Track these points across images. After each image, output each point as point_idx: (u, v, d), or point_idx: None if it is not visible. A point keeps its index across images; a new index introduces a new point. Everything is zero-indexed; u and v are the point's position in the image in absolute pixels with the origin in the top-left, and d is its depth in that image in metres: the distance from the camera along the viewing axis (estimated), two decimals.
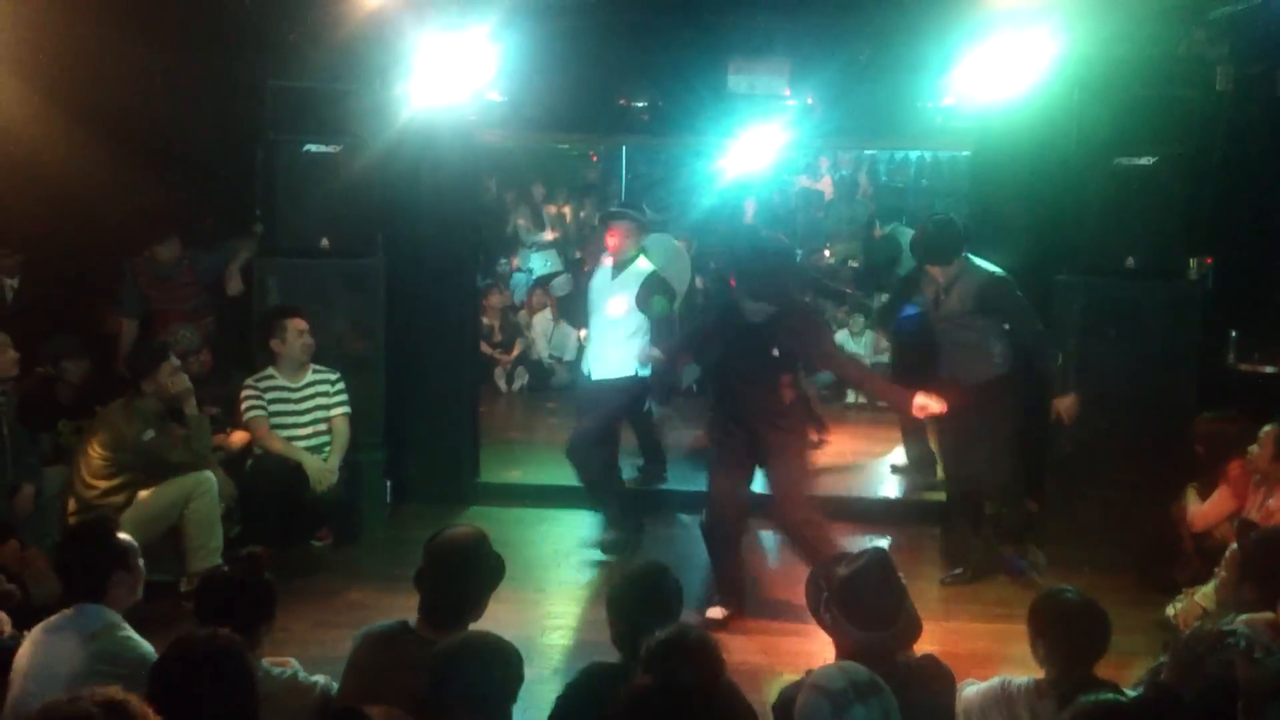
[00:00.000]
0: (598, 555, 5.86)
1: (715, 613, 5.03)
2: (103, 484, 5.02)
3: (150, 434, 5.07)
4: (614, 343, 5.88)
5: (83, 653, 3.14)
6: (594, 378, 5.95)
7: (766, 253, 5.12)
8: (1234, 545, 4.33)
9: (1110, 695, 2.69)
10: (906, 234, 7.23)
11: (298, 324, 5.68)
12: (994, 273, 5.42)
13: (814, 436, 7.39)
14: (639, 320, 5.88)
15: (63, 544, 3.54)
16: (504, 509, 6.19)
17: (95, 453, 5.06)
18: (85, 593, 3.31)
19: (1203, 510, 5.08)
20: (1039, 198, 6.13)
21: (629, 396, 6.00)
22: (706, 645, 2.75)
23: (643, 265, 5.98)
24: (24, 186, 6.28)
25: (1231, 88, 5.90)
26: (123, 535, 3.53)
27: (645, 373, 5.85)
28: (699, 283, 9.03)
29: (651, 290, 5.85)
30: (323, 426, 5.73)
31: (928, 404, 4.88)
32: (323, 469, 5.53)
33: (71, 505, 5.04)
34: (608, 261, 6.07)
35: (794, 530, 5.08)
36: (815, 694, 2.52)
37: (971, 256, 5.48)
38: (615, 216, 6.02)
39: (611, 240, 5.97)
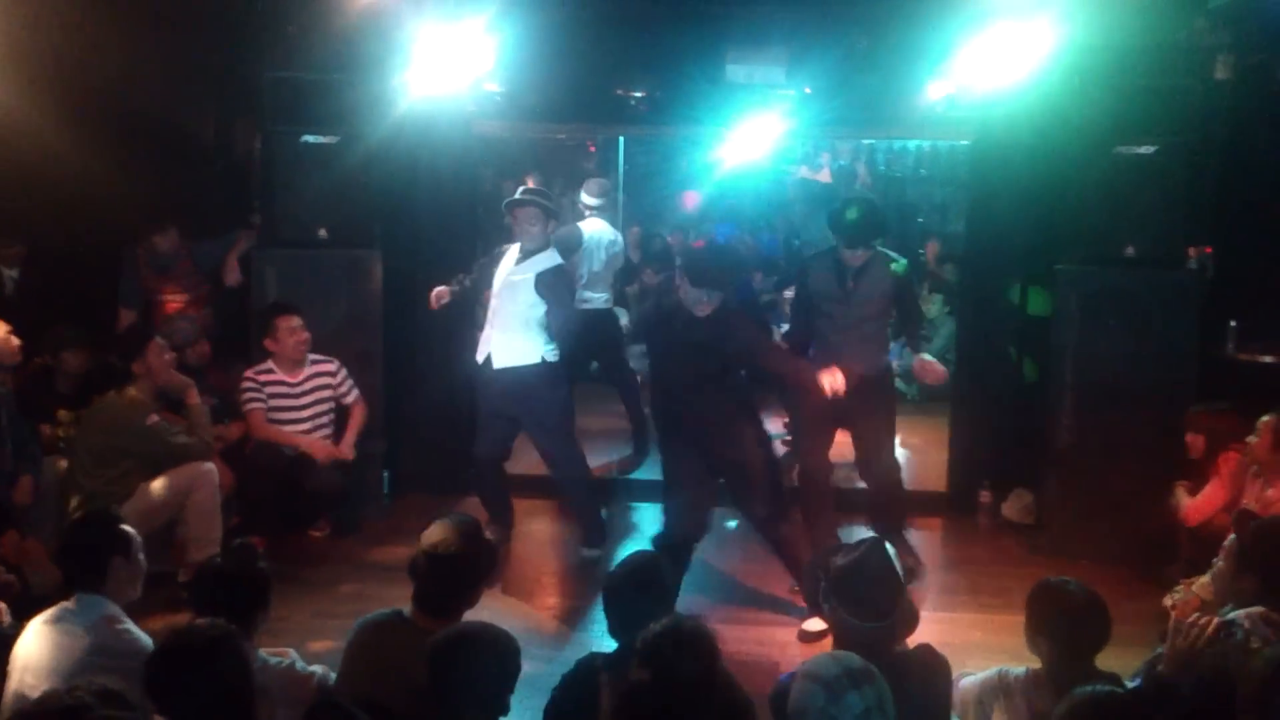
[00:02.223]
0: (595, 545, 5.84)
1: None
2: (105, 473, 5.01)
3: (153, 418, 5.08)
4: (514, 329, 5.56)
5: (82, 644, 3.15)
6: (496, 366, 5.60)
7: (714, 242, 4.92)
8: (1233, 536, 4.32)
9: (1107, 687, 2.69)
10: None
11: (290, 321, 5.67)
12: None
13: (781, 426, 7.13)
14: (540, 310, 5.56)
15: (66, 532, 3.53)
16: None
17: (96, 442, 5.06)
18: (86, 581, 3.31)
19: (1195, 503, 5.06)
20: (1038, 186, 6.12)
21: (545, 383, 5.64)
22: (701, 636, 2.75)
23: (548, 256, 5.64)
24: (23, 178, 6.26)
25: (1232, 77, 5.90)
26: (125, 527, 3.54)
27: (553, 358, 5.60)
28: (648, 275, 8.59)
29: (549, 284, 5.48)
30: (324, 419, 5.76)
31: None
32: (331, 449, 5.59)
33: (74, 500, 5.03)
34: (514, 249, 5.70)
35: (763, 528, 4.97)
36: (809, 682, 2.52)
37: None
38: (520, 202, 5.60)
39: (517, 226, 5.61)
